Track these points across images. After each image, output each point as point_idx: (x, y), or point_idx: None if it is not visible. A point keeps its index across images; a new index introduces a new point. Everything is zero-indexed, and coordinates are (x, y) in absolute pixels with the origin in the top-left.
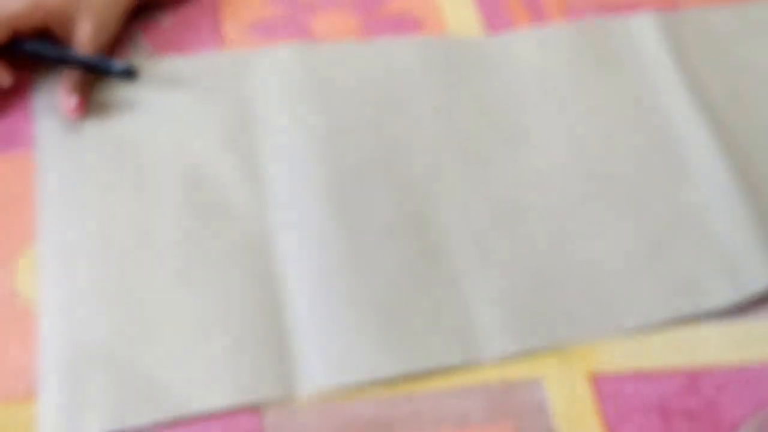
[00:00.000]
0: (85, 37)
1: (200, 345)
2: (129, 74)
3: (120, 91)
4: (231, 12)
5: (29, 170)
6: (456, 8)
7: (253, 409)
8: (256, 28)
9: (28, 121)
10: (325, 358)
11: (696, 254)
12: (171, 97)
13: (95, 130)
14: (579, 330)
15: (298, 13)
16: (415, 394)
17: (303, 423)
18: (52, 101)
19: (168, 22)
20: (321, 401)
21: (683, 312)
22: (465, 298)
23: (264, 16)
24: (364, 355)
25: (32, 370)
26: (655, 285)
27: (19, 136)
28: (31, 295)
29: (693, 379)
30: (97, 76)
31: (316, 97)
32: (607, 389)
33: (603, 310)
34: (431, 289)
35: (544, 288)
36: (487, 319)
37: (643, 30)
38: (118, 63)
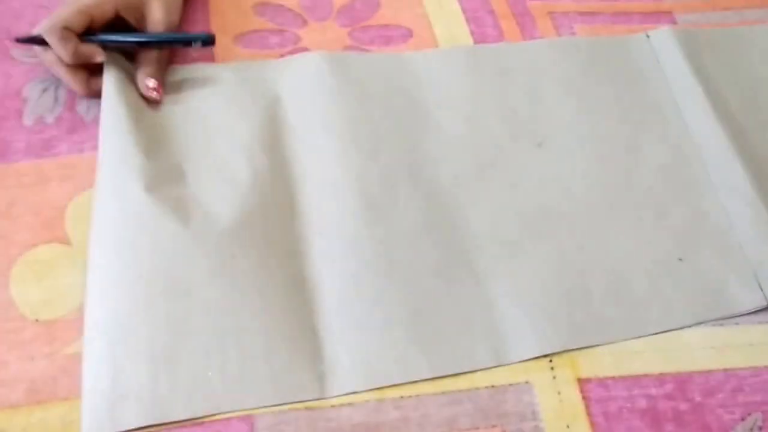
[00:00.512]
0: (158, 18)
1: (236, 344)
2: (208, 41)
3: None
4: (220, 23)
5: (20, 179)
6: (444, 19)
7: (245, 416)
8: (245, 39)
9: (17, 132)
10: (355, 362)
11: (719, 261)
12: (205, 101)
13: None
14: (605, 335)
15: (286, 24)
16: (404, 399)
17: (293, 430)
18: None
19: None
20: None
21: (707, 318)
22: (492, 302)
23: (253, 28)
24: (393, 359)
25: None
26: (680, 292)
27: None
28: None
29: (681, 384)
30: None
31: (347, 103)
32: (595, 394)
33: (628, 315)
34: (459, 292)
35: (570, 293)
36: (514, 322)
37: (663, 43)
38: (195, 34)
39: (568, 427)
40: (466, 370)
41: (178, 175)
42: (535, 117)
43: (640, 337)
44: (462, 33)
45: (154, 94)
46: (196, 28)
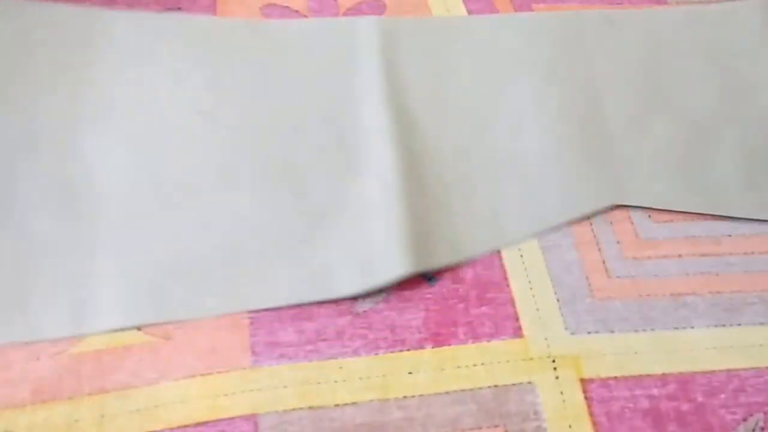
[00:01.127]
0: None
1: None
2: None
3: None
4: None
5: None
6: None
7: (249, 415)
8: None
9: None
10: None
11: (340, 245)
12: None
13: None
14: (216, 309)
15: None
16: (407, 399)
17: (297, 430)
18: None
19: None
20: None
21: (307, 299)
22: (92, 271)
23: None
24: None
25: None
26: (292, 272)
27: None
28: None
29: (683, 384)
30: None
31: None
32: (597, 394)
33: (235, 291)
34: (65, 259)
35: (174, 266)
36: (107, 291)
37: (365, 30)
38: None
39: (570, 427)
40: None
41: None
42: (204, 88)
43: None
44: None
45: None
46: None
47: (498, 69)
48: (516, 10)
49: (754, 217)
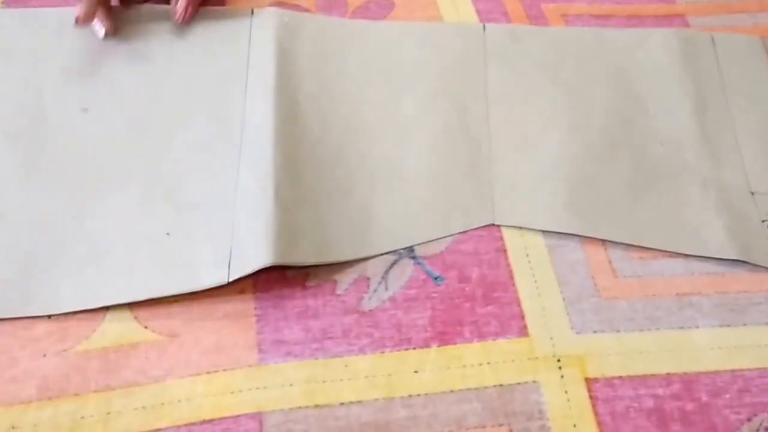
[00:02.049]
0: None
1: None
2: None
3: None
4: None
5: None
6: (459, 20)
7: (254, 413)
8: None
9: None
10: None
11: (202, 237)
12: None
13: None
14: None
15: None
16: (412, 398)
17: (302, 428)
18: None
19: None
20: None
21: (168, 292)
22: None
23: None
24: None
25: None
26: (156, 265)
27: None
28: None
29: (687, 384)
30: None
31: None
32: (602, 394)
33: (95, 284)
34: None
35: (39, 258)
36: None
37: (263, 21)
38: None
39: (575, 426)
40: None
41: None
42: (87, 84)
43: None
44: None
45: (181, 17)
46: None
47: (393, 77)
48: (526, 10)
49: (633, 243)
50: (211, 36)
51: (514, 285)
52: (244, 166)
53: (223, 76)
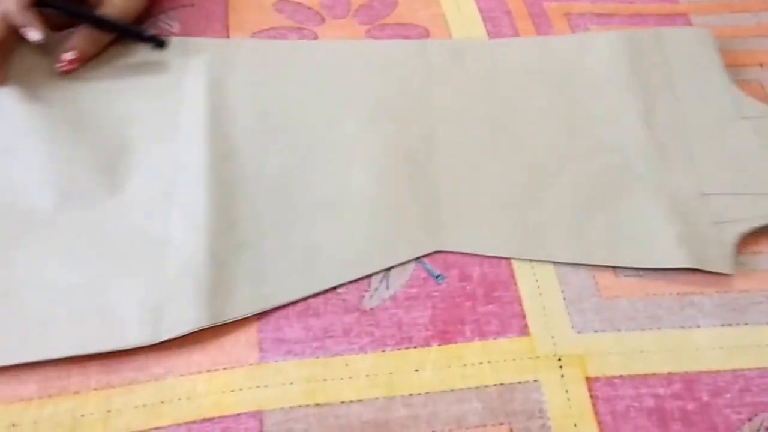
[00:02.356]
0: (116, 1)
1: None
2: (159, 43)
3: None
4: (239, 20)
5: None
6: (461, 19)
7: (254, 412)
8: (262, 36)
9: None
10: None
11: (135, 292)
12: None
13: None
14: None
15: (305, 22)
16: (413, 397)
17: (303, 427)
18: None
19: (176, 28)
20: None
21: (92, 350)
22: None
23: (271, 26)
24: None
25: None
26: (78, 320)
27: None
28: None
29: (688, 384)
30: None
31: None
32: (603, 393)
33: (21, 340)
34: None
35: None
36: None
37: (197, 53)
38: (147, 34)
39: (575, 425)
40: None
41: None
42: (3, 123)
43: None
44: (478, 32)
45: (64, 66)
46: (214, 25)
47: (334, 100)
48: (528, 8)
49: (584, 263)
50: (143, 73)
51: (515, 284)
52: (176, 214)
53: (154, 115)
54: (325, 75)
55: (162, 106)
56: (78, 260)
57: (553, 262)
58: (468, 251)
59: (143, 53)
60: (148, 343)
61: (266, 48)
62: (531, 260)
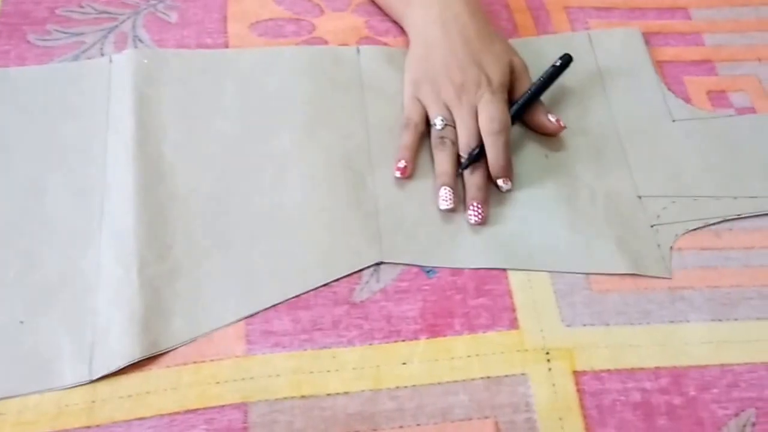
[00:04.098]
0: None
1: None
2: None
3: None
4: (238, 10)
5: None
6: None
7: (239, 403)
8: (260, 27)
9: None
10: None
11: (64, 327)
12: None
13: None
14: None
15: (303, 13)
16: (399, 389)
17: (288, 419)
18: None
19: (174, 18)
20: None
21: (25, 391)
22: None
23: (270, 17)
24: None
25: None
26: (14, 359)
27: None
28: None
29: (676, 378)
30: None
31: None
32: (589, 387)
33: None
34: None
35: None
36: None
37: (122, 68)
38: (558, 63)
39: (560, 419)
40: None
41: None
42: None
43: None
44: None
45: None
46: (213, 15)
47: (268, 109)
48: (527, 2)
49: (526, 269)
50: (69, 93)
51: (506, 277)
52: (105, 242)
53: (81, 137)
54: (257, 83)
55: (87, 127)
56: (3, 293)
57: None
58: (408, 262)
59: (62, 70)
60: (81, 382)
61: (196, 57)
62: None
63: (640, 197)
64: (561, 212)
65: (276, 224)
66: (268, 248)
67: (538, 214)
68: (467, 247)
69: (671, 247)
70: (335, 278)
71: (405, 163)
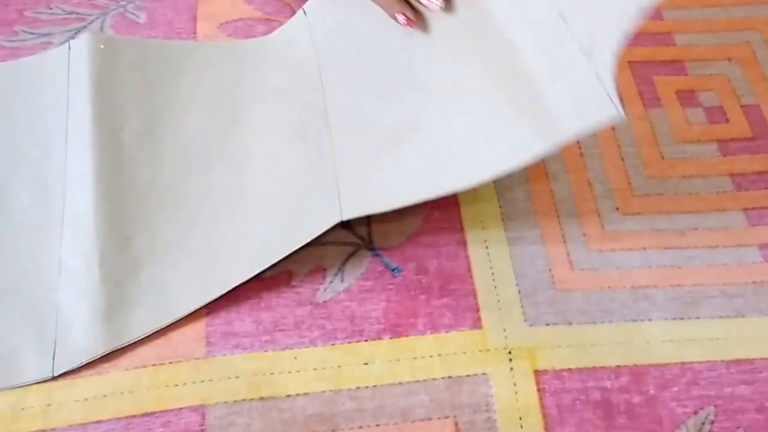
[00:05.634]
0: None
1: None
2: None
3: None
4: (208, 10)
5: None
6: None
7: (197, 406)
8: (229, 27)
9: None
10: None
11: (24, 327)
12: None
13: None
14: None
15: (274, 14)
16: (360, 390)
17: (245, 421)
18: None
19: (142, 19)
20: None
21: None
22: None
23: (239, 17)
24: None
25: None
26: None
27: None
28: None
29: (636, 377)
30: None
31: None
32: (550, 386)
33: None
34: None
35: None
36: None
37: (79, 56)
38: None
39: (520, 418)
40: None
41: None
42: None
43: None
44: None
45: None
46: (182, 16)
47: (223, 97)
48: None
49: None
50: (31, 86)
51: (471, 277)
52: (67, 236)
53: (43, 129)
54: (215, 75)
55: (49, 118)
56: None
57: (510, 254)
58: (368, 213)
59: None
60: (44, 379)
61: (152, 47)
62: (489, 253)
63: (561, 15)
64: (486, 95)
65: (237, 207)
66: (230, 230)
67: (468, 107)
68: (417, 178)
69: (614, 74)
70: (299, 246)
71: (404, 18)
